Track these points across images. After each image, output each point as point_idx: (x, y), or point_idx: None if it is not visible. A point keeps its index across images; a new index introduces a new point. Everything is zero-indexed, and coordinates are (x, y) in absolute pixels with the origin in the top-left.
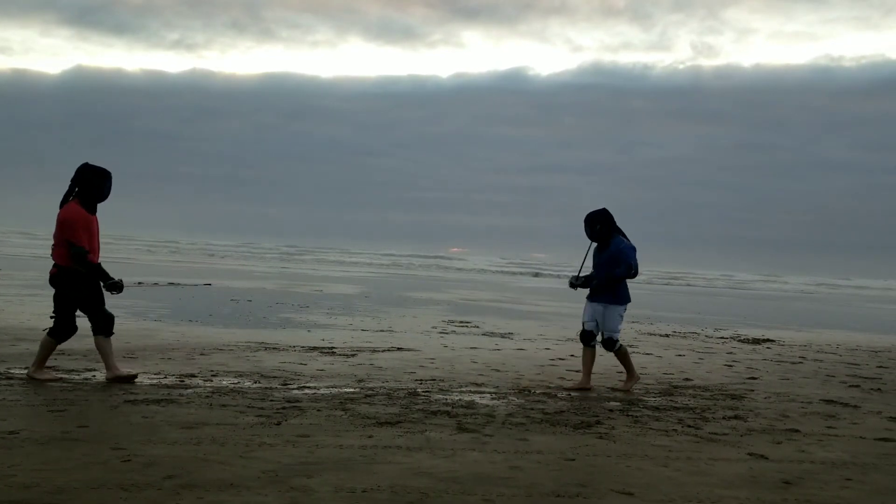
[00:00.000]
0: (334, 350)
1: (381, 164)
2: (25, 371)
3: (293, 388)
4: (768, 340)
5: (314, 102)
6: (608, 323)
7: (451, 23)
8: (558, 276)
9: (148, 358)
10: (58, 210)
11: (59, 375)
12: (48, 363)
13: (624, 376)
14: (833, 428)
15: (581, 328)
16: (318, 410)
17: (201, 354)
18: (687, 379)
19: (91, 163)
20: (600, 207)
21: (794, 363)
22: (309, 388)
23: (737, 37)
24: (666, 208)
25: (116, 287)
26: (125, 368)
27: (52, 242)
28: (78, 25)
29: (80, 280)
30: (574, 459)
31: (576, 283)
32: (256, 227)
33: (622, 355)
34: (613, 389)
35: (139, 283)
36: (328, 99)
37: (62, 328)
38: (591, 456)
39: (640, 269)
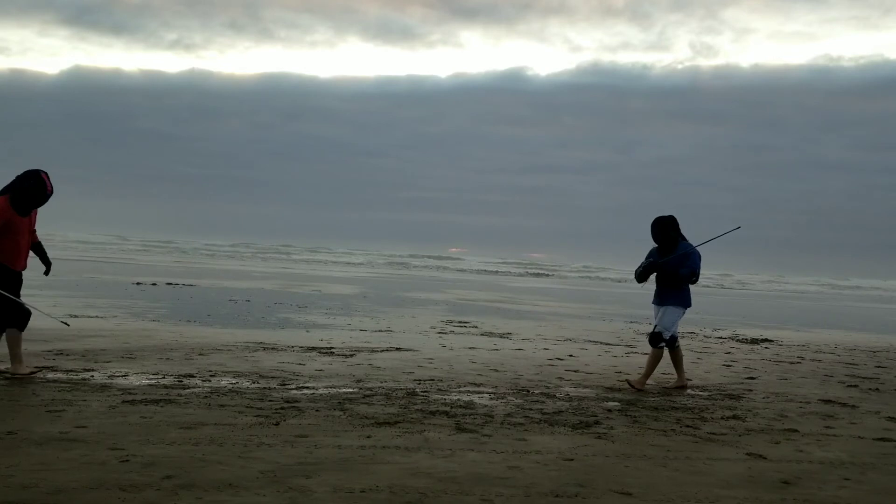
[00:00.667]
0: (333, 350)
1: (380, 164)
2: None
3: (292, 389)
4: (766, 340)
5: (313, 102)
6: (664, 319)
7: (450, 23)
8: (550, 276)
9: (146, 358)
10: None
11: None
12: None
13: (634, 376)
14: (831, 428)
15: (652, 330)
16: (317, 410)
17: (200, 354)
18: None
19: (44, 174)
20: (668, 214)
21: (792, 363)
22: (307, 388)
23: (736, 37)
24: (665, 208)
25: None
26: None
27: None
28: (76, 25)
29: (3, 277)
30: (573, 459)
31: (655, 264)
32: (255, 226)
33: (654, 358)
34: (612, 389)
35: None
36: (327, 99)
37: (13, 314)
38: (589, 456)
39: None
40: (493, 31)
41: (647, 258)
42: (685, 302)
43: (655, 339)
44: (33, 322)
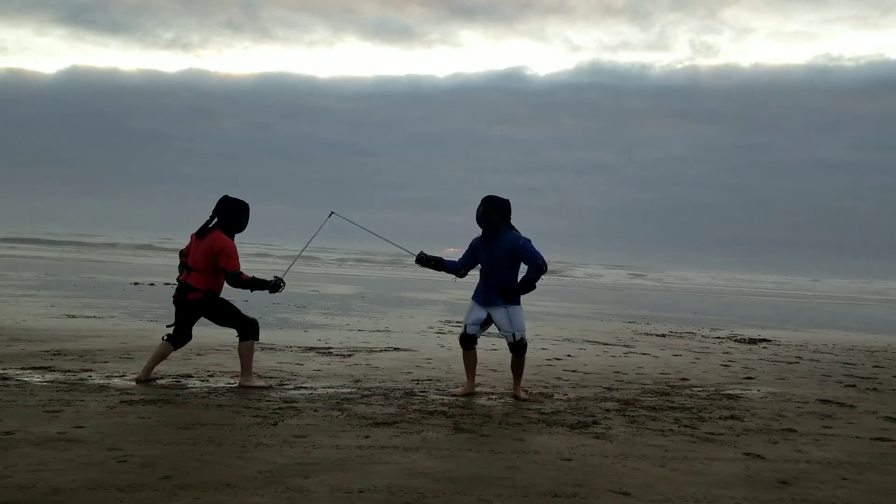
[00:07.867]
0: (331, 350)
1: (378, 164)
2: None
3: (290, 389)
4: (764, 340)
5: (311, 102)
6: (517, 322)
7: (449, 22)
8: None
9: (144, 358)
10: (197, 239)
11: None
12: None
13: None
14: (829, 428)
15: (462, 331)
16: (315, 411)
17: (197, 355)
18: (683, 379)
19: (230, 195)
20: (505, 197)
21: (790, 363)
22: (305, 388)
23: (735, 36)
24: (664, 208)
25: (276, 287)
26: (259, 381)
27: (181, 266)
28: (73, 25)
29: (221, 299)
30: (571, 459)
31: (426, 259)
32: (252, 226)
33: (522, 363)
34: (610, 389)
35: (135, 282)
36: (325, 99)
37: (182, 337)
38: (587, 456)
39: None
40: (492, 30)
41: (469, 247)
42: (518, 298)
43: (521, 348)
44: (31, 322)
